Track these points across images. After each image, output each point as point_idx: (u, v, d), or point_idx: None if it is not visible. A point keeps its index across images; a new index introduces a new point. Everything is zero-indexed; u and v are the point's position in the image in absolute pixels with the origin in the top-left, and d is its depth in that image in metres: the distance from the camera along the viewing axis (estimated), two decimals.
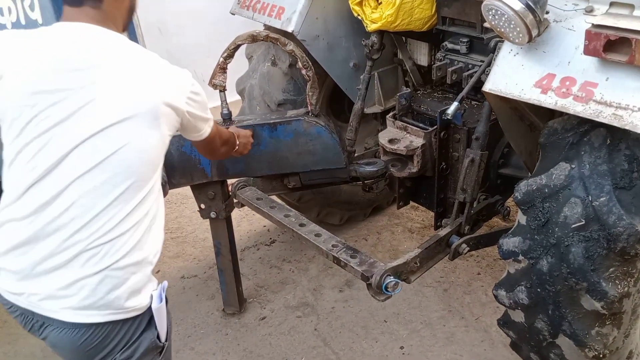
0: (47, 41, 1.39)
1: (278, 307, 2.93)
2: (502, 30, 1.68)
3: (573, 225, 1.60)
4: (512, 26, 1.63)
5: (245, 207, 2.63)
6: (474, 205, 2.33)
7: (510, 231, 1.83)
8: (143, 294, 1.45)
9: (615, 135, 1.59)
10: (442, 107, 2.33)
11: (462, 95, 2.23)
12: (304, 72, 2.43)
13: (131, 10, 1.55)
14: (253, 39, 2.44)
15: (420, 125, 2.47)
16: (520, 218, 1.79)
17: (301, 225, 2.34)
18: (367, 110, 2.85)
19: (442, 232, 2.26)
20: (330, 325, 2.79)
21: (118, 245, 1.38)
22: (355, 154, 2.81)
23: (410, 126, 2.47)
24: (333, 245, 2.20)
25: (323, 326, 2.79)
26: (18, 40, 1.41)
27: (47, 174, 1.36)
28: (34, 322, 1.44)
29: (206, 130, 1.68)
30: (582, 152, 1.64)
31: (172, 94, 1.43)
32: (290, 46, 2.40)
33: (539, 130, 2.05)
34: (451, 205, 2.45)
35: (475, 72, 2.31)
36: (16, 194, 1.39)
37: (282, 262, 3.26)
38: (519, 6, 1.59)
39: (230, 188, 2.62)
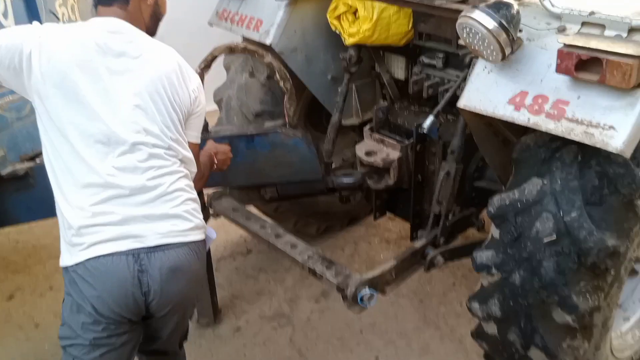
0: (87, 29, 1.64)
1: (253, 317, 2.89)
2: (476, 48, 1.70)
3: (545, 240, 1.62)
4: (485, 44, 1.65)
5: (222, 217, 2.61)
6: (449, 218, 2.35)
7: (484, 245, 1.85)
8: None
9: (586, 152, 1.62)
10: (419, 121, 2.35)
11: (438, 109, 2.26)
12: (281, 84, 2.43)
13: (155, 17, 1.79)
14: (231, 50, 2.43)
15: (397, 138, 2.49)
16: (494, 232, 1.81)
17: (277, 236, 2.34)
18: (345, 123, 2.85)
19: (418, 243, 2.27)
20: (305, 336, 2.77)
21: None
22: (333, 166, 2.82)
23: (387, 139, 2.49)
24: (309, 257, 2.20)
25: (298, 337, 2.77)
26: (62, 29, 1.64)
27: None
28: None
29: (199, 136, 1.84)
30: (554, 168, 1.67)
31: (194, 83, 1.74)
32: (268, 58, 2.40)
33: (512, 145, 2.08)
34: (427, 217, 2.47)
35: (451, 87, 2.34)
36: None
37: (259, 272, 3.23)
38: (492, 25, 1.61)
39: (206, 198, 2.59)
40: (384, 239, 3.46)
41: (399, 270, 2.16)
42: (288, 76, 2.42)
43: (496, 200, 1.76)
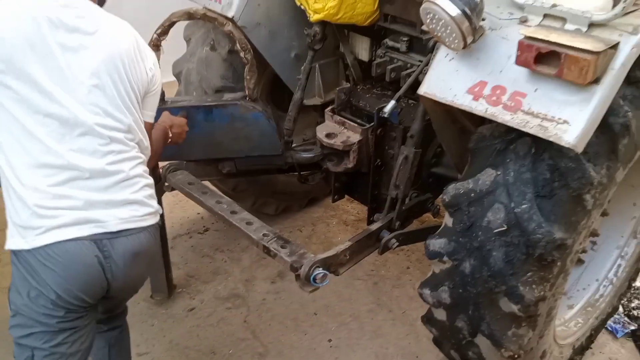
0: (36, 2, 1.51)
1: (208, 297, 2.87)
2: (439, 34, 1.67)
3: (495, 230, 1.64)
4: (448, 31, 1.63)
5: (179, 193, 2.55)
6: (406, 202, 2.36)
7: (437, 232, 1.86)
8: None
9: (539, 145, 1.63)
10: (380, 105, 2.34)
11: (400, 94, 2.25)
12: (242, 54, 2.37)
13: None
14: (189, 16, 2.36)
15: (358, 121, 2.47)
16: (447, 220, 1.82)
17: (233, 212, 2.30)
18: (307, 102, 2.80)
19: (373, 226, 2.27)
20: (260, 317, 2.77)
21: None
22: (293, 145, 2.79)
23: (348, 121, 2.47)
24: (264, 235, 2.17)
25: (253, 318, 2.76)
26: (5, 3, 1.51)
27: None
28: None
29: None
30: (508, 160, 1.68)
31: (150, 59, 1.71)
32: (229, 27, 2.34)
33: (470, 134, 2.08)
34: (384, 201, 2.46)
35: (414, 71, 2.32)
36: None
37: (215, 251, 3.20)
38: (455, 12, 1.59)
39: (161, 171, 2.52)
40: (342, 220, 3.47)
41: (354, 252, 2.16)
42: (249, 47, 2.36)
43: (451, 189, 1.76)
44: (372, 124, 2.39)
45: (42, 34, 1.49)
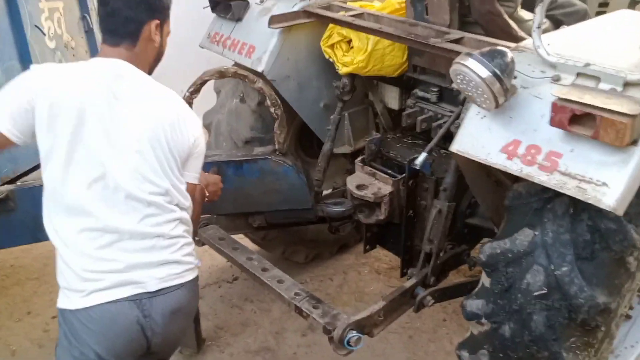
0: (89, 70, 1.66)
1: (238, 351, 2.89)
2: (470, 94, 1.71)
3: (535, 293, 1.64)
4: (479, 92, 1.66)
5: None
6: (440, 255, 2.37)
7: (474, 292, 1.87)
8: None
9: (577, 205, 1.63)
10: (411, 155, 2.39)
11: (431, 146, 2.29)
12: (272, 110, 2.45)
13: (158, 58, 1.81)
14: (221, 75, 2.45)
15: (389, 172, 2.51)
16: (485, 280, 1.82)
17: (264, 270, 2.35)
18: (337, 151, 2.88)
19: (408, 283, 2.29)
20: None
21: None
22: (323, 194, 2.84)
23: (379, 172, 2.51)
24: (296, 294, 2.21)
25: None
26: (60, 70, 1.68)
27: None
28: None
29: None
30: (545, 220, 1.68)
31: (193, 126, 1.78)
32: (259, 83, 2.42)
33: (505, 187, 2.09)
34: (418, 253, 2.47)
35: (445, 122, 2.37)
36: None
37: (244, 301, 3.24)
38: (486, 74, 1.62)
39: None
40: (374, 269, 3.48)
41: (388, 311, 2.18)
42: (279, 102, 2.44)
43: (487, 249, 1.78)
44: (403, 175, 2.43)
45: (95, 101, 1.61)
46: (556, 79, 1.68)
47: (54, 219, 1.63)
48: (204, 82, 2.46)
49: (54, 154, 1.59)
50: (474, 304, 1.83)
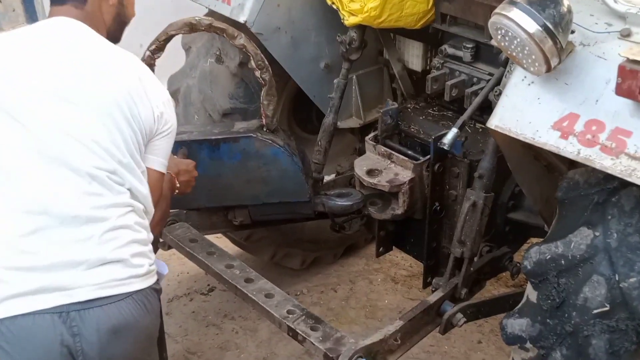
0: (35, 34, 1.81)
1: None
2: (514, 55, 1.72)
3: (595, 311, 1.65)
4: (526, 52, 1.67)
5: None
6: (475, 261, 2.40)
7: (516, 309, 1.88)
8: None
9: None
10: (438, 131, 2.39)
11: (464, 119, 2.29)
12: (258, 73, 2.45)
13: (119, 19, 1.97)
14: (191, 28, 2.45)
15: (409, 153, 2.53)
16: (530, 293, 1.84)
17: (247, 280, 2.37)
18: (342, 125, 2.89)
19: (432, 297, 2.31)
20: None
21: None
22: (324, 181, 2.86)
23: (396, 154, 2.52)
24: (288, 312, 2.23)
25: None
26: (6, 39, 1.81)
27: None
28: None
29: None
30: (609, 217, 1.69)
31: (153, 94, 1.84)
32: (241, 40, 2.42)
33: (559, 173, 2.10)
34: (445, 257, 2.50)
35: (482, 88, 2.38)
36: None
37: (223, 318, 3.28)
38: (534, 28, 1.62)
39: None
40: (389, 276, 3.52)
41: (407, 333, 2.19)
42: (267, 63, 2.44)
43: (534, 254, 1.79)
44: (427, 157, 2.44)
45: (35, 68, 1.73)
46: (626, 34, 1.68)
47: None
48: (169, 38, 2.46)
49: None
50: (517, 324, 1.84)
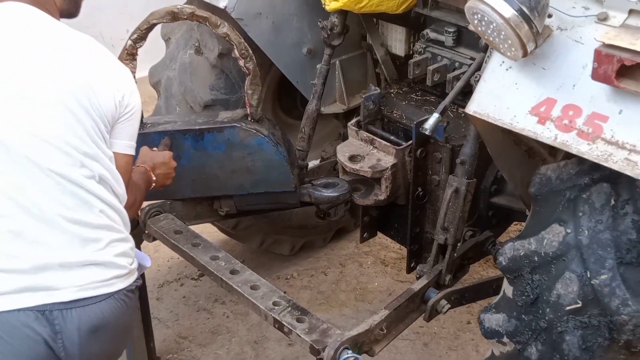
0: None
1: None
2: (491, 39, 1.67)
3: (567, 307, 1.63)
4: (502, 37, 1.62)
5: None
6: (458, 247, 2.35)
7: (493, 303, 1.87)
8: None
9: (621, 193, 1.61)
10: (420, 116, 2.34)
11: (445, 104, 2.24)
12: (241, 62, 2.39)
13: None
14: (173, 16, 2.38)
15: (392, 138, 2.48)
16: (506, 288, 1.82)
17: (233, 272, 2.32)
18: (326, 110, 2.85)
19: (417, 284, 2.27)
20: None
21: None
22: (308, 167, 2.81)
23: (379, 139, 2.48)
24: (274, 303, 2.17)
25: None
26: None
27: None
28: None
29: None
30: (580, 214, 1.66)
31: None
32: (224, 28, 2.35)
33: (540, 157, 2.07)
34: (429, 242, 2.48)
35: (464, 72, 2.32)
36: None
37: (214, 303, 3.24)
38: (510, 13, 1.56)
39: (139, 215, 2.57)
40: (379, 259, 3.48)
41: (392, 322, 2.16)
42: (251, 52, 2.38)
43: (508, 250, 1.77)
44: (409, 142, 2.39)
45: None
46: (602, 18, 1.63)
47: None
48: (151, 27, 2.39)
49: None
50: (494, 319, 1.83)
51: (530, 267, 1.72)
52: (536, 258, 1.71)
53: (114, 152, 1.80)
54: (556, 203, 1.72)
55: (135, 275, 1.80)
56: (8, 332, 1.58)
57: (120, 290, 1.73)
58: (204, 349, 2.99)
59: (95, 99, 1.70)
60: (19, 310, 1.58)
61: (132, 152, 1.88)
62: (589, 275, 1.60)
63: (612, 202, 1.62)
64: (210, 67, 2.70)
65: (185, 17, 2.36)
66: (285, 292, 3.22)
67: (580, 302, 1.61)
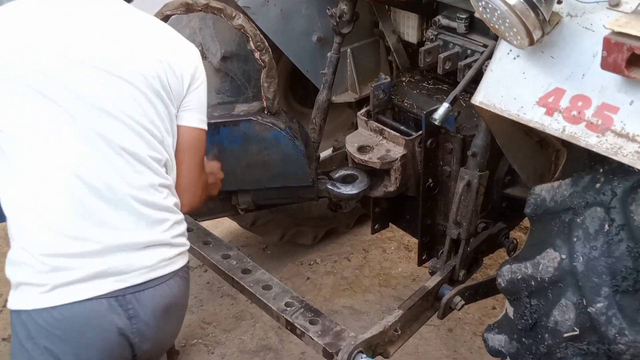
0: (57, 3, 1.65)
1: (231, 351, 2.90)
2: (497, 27, 1.60)
3: (565, 335, 1.60)
4: (507, 25, 1.55)
5: None
6: (471, 241, 2.27)
7: (496, 323, 1.85)
8: None
9: (615, 218, 1.55)
10: (431, 105, 2.26)
11: (456, 94, 2.15)
12: (257, 55, 2.32)
13: None
14: (187, 8, 2.32)
15: (402, 128, 2.42)
16: (508, 308, 1.80)
17: (245, 271, 2.27)
18: (337, 100, 2.79)
19: (430, 282, 2.21)
20: None
21: None
22: (320, 159, 2.75)
23: (388, 129, 2.41)
24: (287, 304, 2.11)
25: None
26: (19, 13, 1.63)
27: None
28: None
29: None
30: (575, 239, 1.61)
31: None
32: (239, 20, 2.29)
33: (553, 148, 2.00)
34: (440, 234, 2.42)
35: (475, 60, 2.21)
36: None
37: None
38: (515, 0, 1.50)
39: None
40: (402, 244, 3.44)
41: (407, 322, 2.10)
42: (267, 45, 2.32)
43: (506, 272, 1.74)
44: (419, 132, 2.32)
45: (66, 42, 1.60)
46: (614, 4, 1.56)
47: (9, 183, 1.57)
48: (165, 18, 2.34)
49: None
50: (496, 340, 1.82)
51: (528, 291, 1.70)
52: (533, 283, 1.69)
53: (183, 126, 1.78)
54: (551, 225, 1.69)
55: (188, 254, 1.82)
56: (81, 323, 1.57)
57: (182, 267, 1.75)
58: (228, 334, 2.99)
59: (166, 80, 1.69)
60: (90, 299, 1.56)
61: (204, 127, 1.85)
62: (585, 303, 1.57)
63: (606, 227, 1.57)
64: (214, 71, 2.65)
65: (200, 8, 2.31)
66: (308, 278, 3.30)
67: (577, 329, 1.58)
